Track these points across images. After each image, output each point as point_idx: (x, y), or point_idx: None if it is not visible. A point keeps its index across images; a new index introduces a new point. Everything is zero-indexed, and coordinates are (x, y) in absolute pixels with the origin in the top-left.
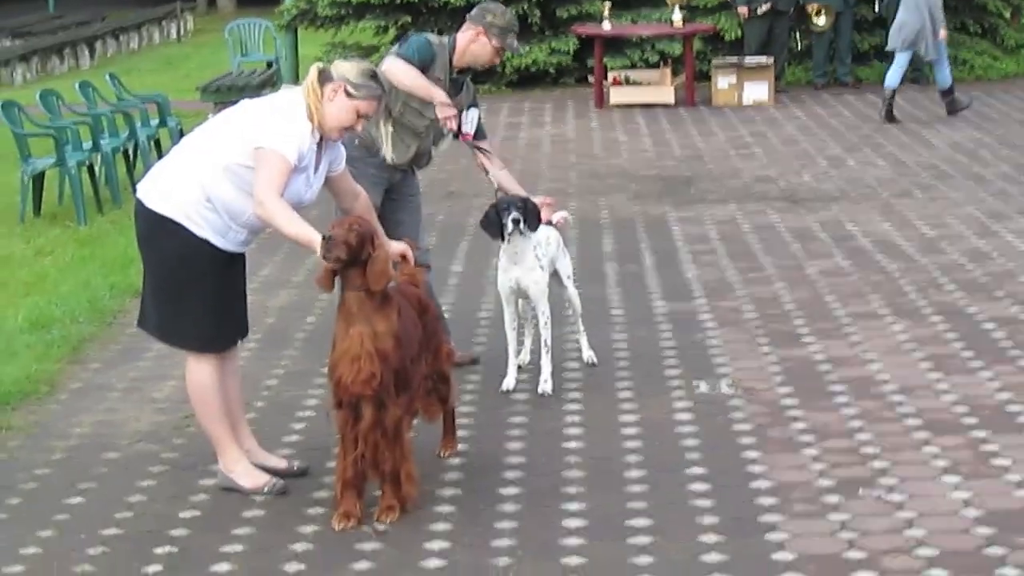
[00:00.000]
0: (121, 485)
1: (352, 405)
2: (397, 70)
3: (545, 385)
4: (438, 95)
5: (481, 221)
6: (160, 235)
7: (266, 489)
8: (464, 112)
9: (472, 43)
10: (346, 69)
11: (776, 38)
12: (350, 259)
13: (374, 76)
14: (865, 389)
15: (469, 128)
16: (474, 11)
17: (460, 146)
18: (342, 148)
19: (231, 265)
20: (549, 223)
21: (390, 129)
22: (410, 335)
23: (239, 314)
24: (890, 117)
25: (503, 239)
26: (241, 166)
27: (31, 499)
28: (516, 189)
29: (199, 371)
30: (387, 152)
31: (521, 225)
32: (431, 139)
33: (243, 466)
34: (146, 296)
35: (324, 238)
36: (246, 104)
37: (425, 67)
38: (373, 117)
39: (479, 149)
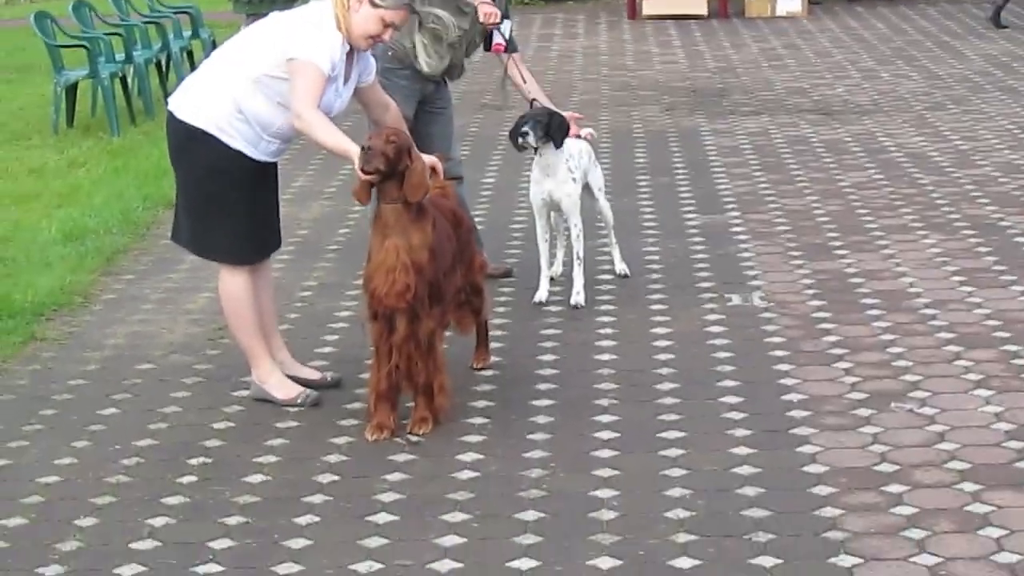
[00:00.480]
0: (155, 396)
1: (387, 317)
2: None
3: (578, 297)
4: None
5: (509, 134)
6: (192, 147)
7: (299, 400)
8: (508, 20)
9: None
10: None
11: None
12: (388, 170)
13: None
14: (897, 302)
15: (501, 39)
16: None
17: (494, 57)
18: (372, 59)
19: (263, 176)
20: (578, 137)
21: (424, 40)
22: (444, 247)
23: (272, 226)
24: (996, 21)
25: (517, 150)
26: (272, 77)
27: (66, 410)
28: (547, 102)
29: (232, 283)
30: (420, 62)
31: (529, 139)
32: (464, 49)
33: (276, 377)
34: (179, 209)
35: (363, 149)
36: (277, 16)
37: None
38: (402, 27)
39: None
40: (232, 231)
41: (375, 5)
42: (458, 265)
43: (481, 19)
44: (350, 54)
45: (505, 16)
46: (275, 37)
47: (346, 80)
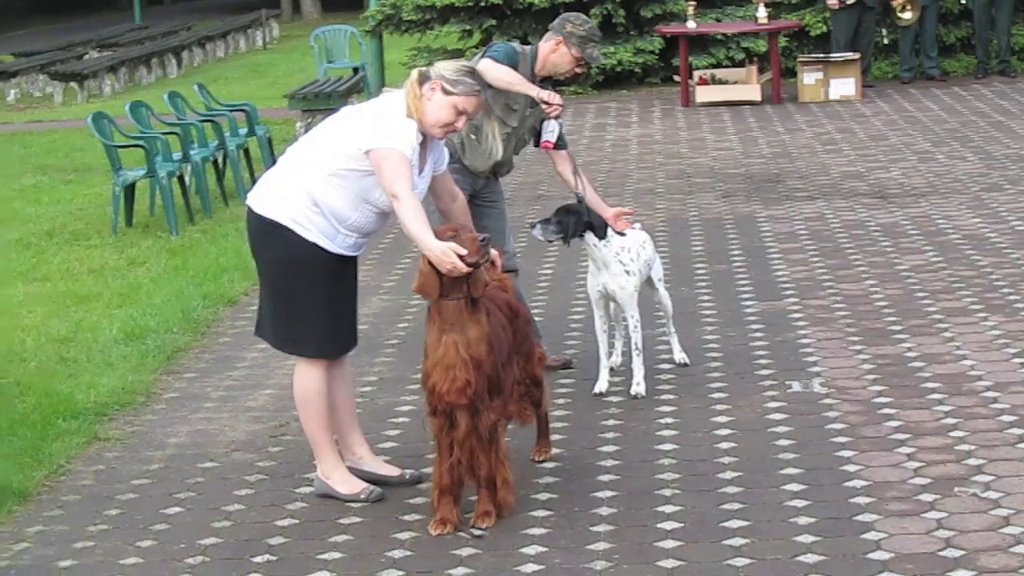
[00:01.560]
0: (218, 494)
1: (447, 412)
2: (492, 68)
3: (638, 387)
4: (535, 89)
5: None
6: (270, 240)
7: (362, 496)
8: (545, 121)
9: (552, 53)
10: (443, 67)
11: (864, 32)
12: (472, 264)
13: (471, 73)
14: (958, 386)
15: (550, 137)
16: (556, 21)
17: (539, 154)
18: (444, 150)
19: (342, 270)
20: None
21: (472, 138)
22: (500, 339)
23: (350, 322)
24: None
25: (566, 243)
26: (348, 170)
27: (130, 509)
28: (595, 197)
29: (308, 376)
30: (469, 160)
31: (536, 232)
32: (512, 146)
33: (340, 473)
34: (262, 303)
35: (483, 240)
36: (348, 109)
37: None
38: (474, 115)
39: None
40: (313, 324)
41: (448, 92)
42: (516, 357)
43: (545, 104)
44: (424, 144)
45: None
46: (350, 130)
47: (420, 170)
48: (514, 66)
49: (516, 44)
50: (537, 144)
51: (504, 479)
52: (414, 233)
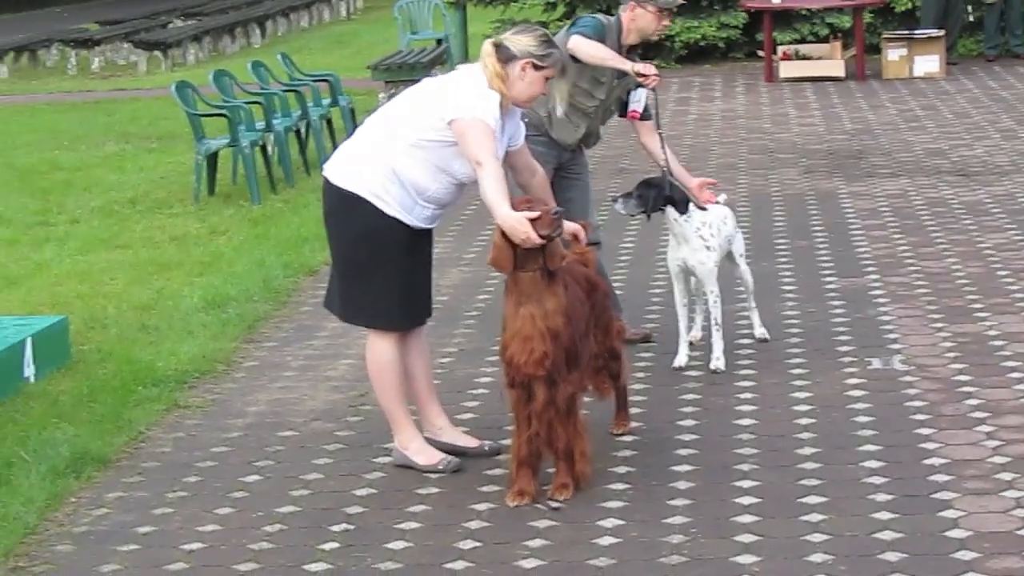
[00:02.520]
0: (297, 463)
1: (525, 384)
2: (584, 45)
3: (717, 362)
4: (628, 64)
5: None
6: (347, 212)
7: (440, 467)
8: (632, 90)
9: (632, 20)
10: (526, 43)
11: (951, 9)
12: (545, 236)
13: (549, 40)
14: None
15: (637, 107)
16: None
17: (622, 128)
18: (522, 124)
19: (417, 243)
20: (716, 203)
21: (560, 108)
22: (577, 312)
23: (424, 294)
24: None
25: (647, 217)
26: (429, 141)
27: (209, 476)
28: (679, 168)
29: (380, 349)
30: (556, 133)
31: (618, 206)
32: (600, 119)
33: (418, 443)
34: (332, 275)
35: (555, 214)
36: (428, 81)
37: (602, 44)
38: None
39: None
40: (383, 297)
41: (539, 68)
42: (594, 330)
43: (640, 77)
44: (501, 117)
45: (639, 85)
46: (431, 101)
47: (500, 141)
48: (602, 39)
49: (601, 16)
50: (623, 114)
51: (582, 451)
52: (491, 201)
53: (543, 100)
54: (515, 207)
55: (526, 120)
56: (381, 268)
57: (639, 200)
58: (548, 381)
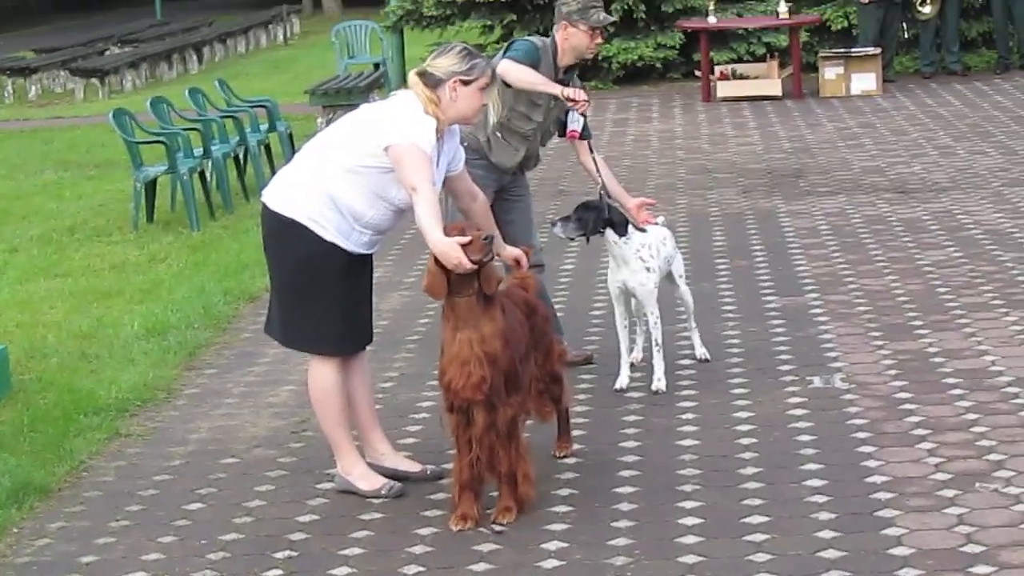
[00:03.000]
0: (240, 490)
1: (464, 409)
2: (513, 70)
3: (659, 383)
4: (557, 88)
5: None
6: (286, 238)
7: (383, 492)
8: (570, 112)
9: (565, 40)
10: (447, 64)
11: (888, 27)
12: (477, 262)
13: (470, 52)
14: (979, 381)
15: (576, 127)
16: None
17: (561, 149)
18: (460, 149)
19: (357, 268)
20: (654, 224)
21: (498, 135)
22: (517, 335)
23: (366, 319)
24: None
25: (586, 240)
26: (365, 167)
27: (151, 505)
28: (617, 188)
29: (322, 374)
30: (496, 157)
31: (556, 230)
32: (539, 141)
33: (361, 469)
34: (272, 300)
35: (486, 239)
36: (365, 107)
37: (534, 68)
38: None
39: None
40: (323, 322)
41: (468, 83)
42: (535, 353)
43: (570, 102)
44: (439, 142)
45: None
46: (368, 127)
47: (436, 166)
48: (535, 63)
49: (536, 39)
50: (563, 135)
51: (525, 474)
52: (424, 227)
53: (483, 124)
54: (447, 233)
55: (465, 144)
56: (321, 293)
57: (578, 223)
58: (487, 405)
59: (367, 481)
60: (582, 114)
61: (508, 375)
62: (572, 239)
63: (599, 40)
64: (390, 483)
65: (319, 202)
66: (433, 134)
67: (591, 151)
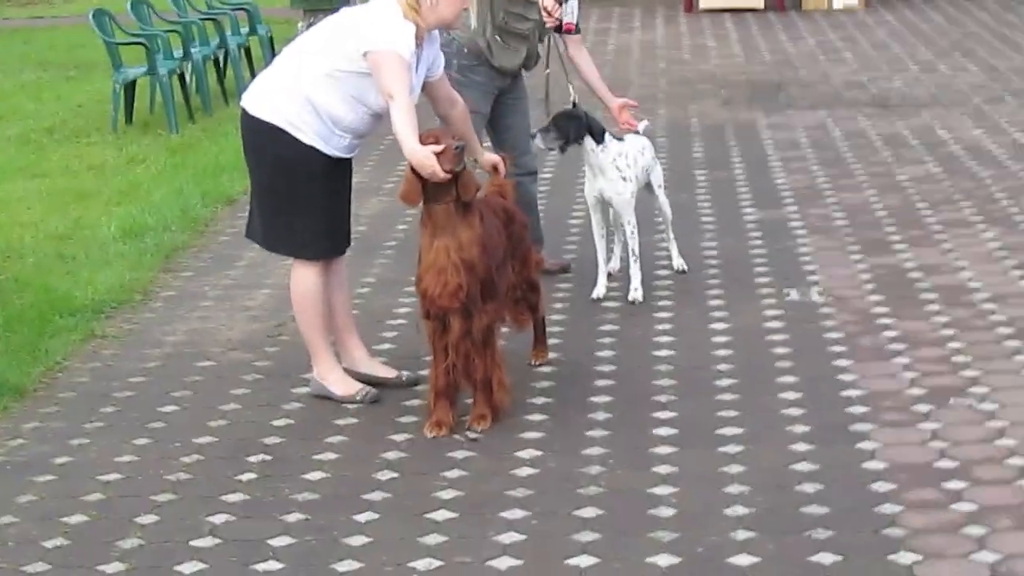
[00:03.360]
0: (215, 393)
1: (440, 316)
2: None
3: (635, 293)
4: None
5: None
6: (264, 142)
7: (358, 397)
8: (564, 3)
9: None
10: None
11: None
12: (451, 171)
13: None
14: (956, 297)
15: (571, 18)
16: None
17: (549, 53)
18: (441, 54)
19: (336, 173)
20: (634, 131)
21: (497, 39)
22: (494, 242)
23: (345, 222)
24: None
25: (561, 150)
26: (345, 72)
27: (126, 407)
28: (601, 87)
29: (304, 278)
30: (498, 60)
31: (537, 141)
32: (537, 38)
33: (337, 374)
34: (252, 206)
35: (457, 148)
36: (346, 11)
37: None
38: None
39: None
40: (304, 226)
41: None
42: (511, 261)
43: (545, 16)
44: (419, 48)
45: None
46: (347, 32)
47: (416, 71)
48: None
49: None
50: (559, 30)
51: (500, 381)
52: (400, 135)
53: (481, 29)
54: (422, 141)
55: (466, 50)
56: (301, 197)
57: (558, 132)
58: (464, 313)
59: (342, 386)
60: (555, 20)
61: (484, 282)
62: (551, 149)
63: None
64: (365, 388)
65: (298, 106)
66: (412, 40)
67: (583, 45)
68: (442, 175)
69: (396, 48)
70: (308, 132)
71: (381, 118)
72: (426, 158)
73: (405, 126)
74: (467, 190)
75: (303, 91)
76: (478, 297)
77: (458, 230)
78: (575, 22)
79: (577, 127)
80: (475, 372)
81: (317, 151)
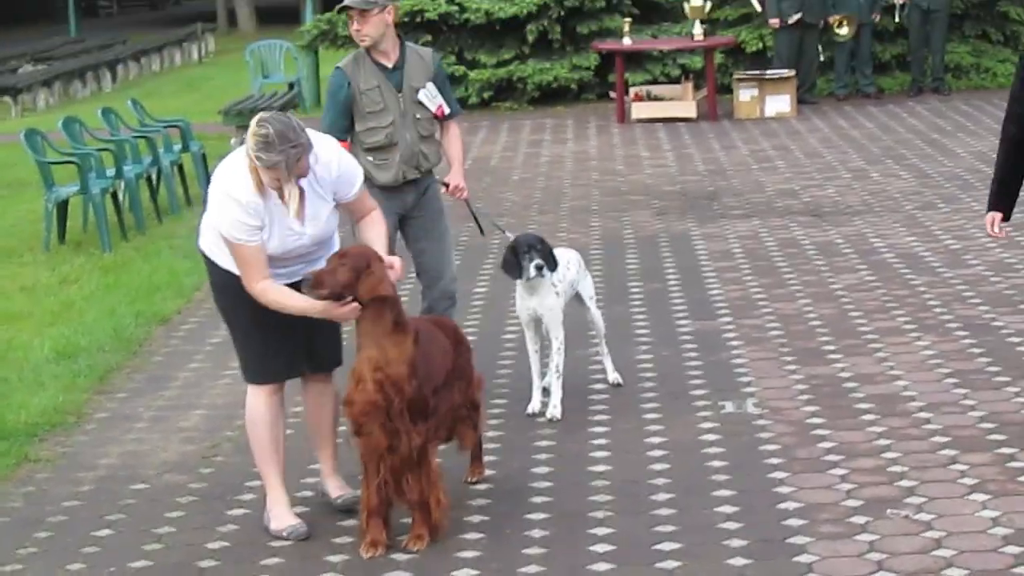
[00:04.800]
0: (150, 516)
1: (368, 432)
2: None
3: (554, 411)
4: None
5: (501, 264)
6: (206, 266)
7: (284, 534)
8: (420, 89)
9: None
10: (249, 136)
11: (805, 50)
12: (340, 291)
13: (267, 143)
14: (892, 406)
15: (431, 104)
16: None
17: (478, 169)
18: (345, 179)
19: None
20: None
21: (368, 159)
22: (433, 363)
23: (287, 348)
24: None
25: (524, 280)
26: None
27: (60, 532)
28: (456, 165)
29: (251, 402)
30: (378, 179)
31: (543, 271)
32: (407, 136)
33: (278, 508)
34: None
35: (304, 280)
36: (223, 164)
37: (348, 107)
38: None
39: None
40: (245, 349)
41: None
42: (458, 382)
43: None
44: (302, 193)
45: (430, 78)
46: (209, 207)
47: (301, 217)
48: (344, 99)
49: (342, 63)
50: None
51: (437, 500)
52: (288, 304)
53: (355, 152)
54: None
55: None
56: (237, 320)
57: (548, 260)
58: (391, 431)
59: (277, 521)
60: (466, 200)
61: (414, 402)
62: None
63: (355, 26)
64: (293, 525)
65: (215, 234)
66: (249, 211)
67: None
68: (320, 307)
69: (231, 235)
70: (223, 258)
71: (289, 257)
72: (312, 307)
73: (290, 303)
74: (366, 291)
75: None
76: (405, 417)
77: (383, 345)
78: (444, 105)
79: (550, 249)
80: (410, 492)
81: (234, 275)
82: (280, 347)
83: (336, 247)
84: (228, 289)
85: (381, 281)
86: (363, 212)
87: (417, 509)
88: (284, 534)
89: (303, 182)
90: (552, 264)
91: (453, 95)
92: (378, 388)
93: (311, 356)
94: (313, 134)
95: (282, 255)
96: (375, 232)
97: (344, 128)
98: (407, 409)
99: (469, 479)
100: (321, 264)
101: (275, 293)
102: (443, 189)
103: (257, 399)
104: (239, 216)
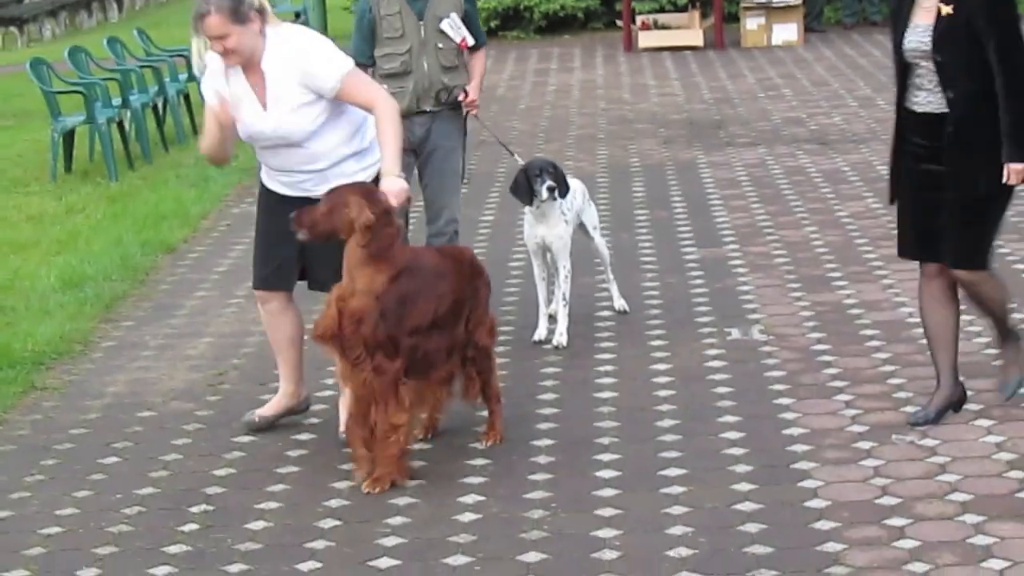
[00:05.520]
0: (156, 444)
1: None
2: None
3: (560, 338)
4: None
5: (511, 187)
6: None
7: (244, 418)
8: (443, 19)
9: None
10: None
11: None
12: (322, 229)
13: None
14: (897, 333)
15: (455, 35)
16: None
17: (485, 97)
18: (322, 74)
19: (276, 208)
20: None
21: (384, 85)
22: (417, 303)
23: (275, 257)
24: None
25: (534, 204)
26: None
27: (67, 459)
28: (475, 83)
29: (260, 307)
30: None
31: (556, 193)
32: (424, 64)
33: (277, 395)
34: None
35: (290, 217)
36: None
37: (371, 33)
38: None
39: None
40: (255, 255)
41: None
42: (467, 316)
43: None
44: (259, 77)
45: (453, 8)
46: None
47: (263, 100)
48: (368, 25)
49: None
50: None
51: (397, 443)
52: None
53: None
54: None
55: None
56: (256, 228)
57: (560, 184)
58: (350, 360)
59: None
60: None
61: (376, 339)
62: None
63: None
64: (248, 417)
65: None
66: (216, 69)
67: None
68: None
69: (202, 90)
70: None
71: (279, 150)
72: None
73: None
74: (345, 228)
75: None
76: (360, 350)
77: (356, 275)
78: (466, 39)
79: (563, 174)
80: (374, 427)
81: (263, 185)
82: (268, 256)
83: (359, 164)
84: (259, 196)
85: (355, 218)
86: (366, 105)
87: (378, 440)
88: (244, 418)
89: (266, 65)
90: (564, 189)
91: (481, 27)
92: (337, 317)
93: (310, 274)
94: (293, 26)
95: (255, 137)
96: (383, 134)
97: (368, 54)
98: (370, 344)
99: (484, 442)
100: (328, 181)
101: (205, 142)
102: (460, 96)
103: (260, 304)
104: (206, 76)
